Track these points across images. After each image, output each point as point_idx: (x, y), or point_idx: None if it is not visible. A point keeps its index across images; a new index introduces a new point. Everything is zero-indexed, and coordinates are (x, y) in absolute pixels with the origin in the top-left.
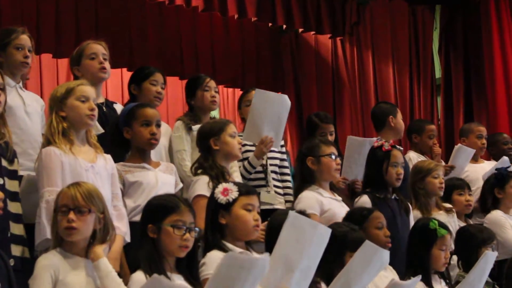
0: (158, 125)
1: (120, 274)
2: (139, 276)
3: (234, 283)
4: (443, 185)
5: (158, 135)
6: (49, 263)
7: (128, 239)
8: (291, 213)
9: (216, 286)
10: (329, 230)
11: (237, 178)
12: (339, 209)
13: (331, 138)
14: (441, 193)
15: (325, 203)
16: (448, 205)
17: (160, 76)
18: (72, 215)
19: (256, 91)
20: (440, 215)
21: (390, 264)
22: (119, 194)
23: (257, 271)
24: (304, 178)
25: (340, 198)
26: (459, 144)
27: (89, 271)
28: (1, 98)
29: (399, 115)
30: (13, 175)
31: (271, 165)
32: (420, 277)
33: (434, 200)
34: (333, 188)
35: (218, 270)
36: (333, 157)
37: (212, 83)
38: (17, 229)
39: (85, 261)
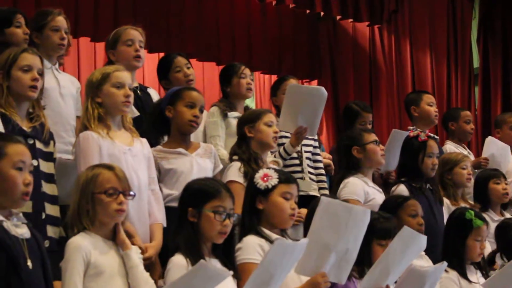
0: (201, 110)
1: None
2: (179, 259)
3: (276, 267)
4: (471, 177)
5: (200, 119)
6: (80, 246)
7: (164, 224)
8: (323, 199)
9: (263, 271)
10: (367, 211)
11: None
12: (382, 200)
13: (369, 127)
14: (469, 185)
15: (370, 192)
16: (472, 202)
17: (179, 59)
18: (122, 198)
19: (288, 86)
20: None
21: (427, 253)
22: (155, 178)
23: (296, 255)
24: (350, 168)
25: (381, 190)
26: (489, 137)
27: (118, 254)
28: (39, 84)
29: (424, 103)
30: (49, 157)
31: (305, 151)
32: (444, 264)
33: (461, 192)
34: (373, 179)
35: (266, 258)
36: (377, 143)
37: (248, 71)
38: (52, 210)
39: (113, 244)
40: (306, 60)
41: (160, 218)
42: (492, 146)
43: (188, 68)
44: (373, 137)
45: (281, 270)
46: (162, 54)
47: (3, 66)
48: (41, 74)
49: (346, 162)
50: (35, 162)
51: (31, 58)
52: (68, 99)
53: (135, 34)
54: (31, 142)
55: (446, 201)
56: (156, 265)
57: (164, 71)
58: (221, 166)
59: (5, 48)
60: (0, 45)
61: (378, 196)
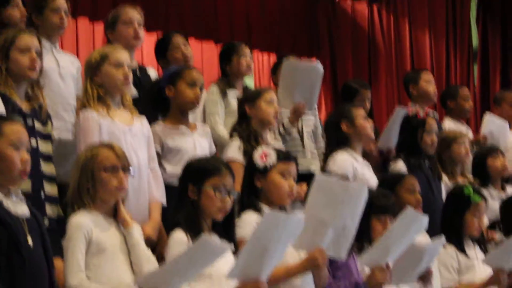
0: (201, 89)
1: (155, 244)
2: (179, 235)
3: (270, 241)
4: (469, 153)
5: (200, 98)
6: (82, 223)
7: (164, 203)
8: (318, 176)
9: (256, 243)
10: (364, 186)
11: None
12: (370, 174)
13: (368, 105)
14: (467, 161)
15: (359, 168)
16: (471, 178)
17: (177, 38)
18: (122, 175)
19: (284, 62)
20: None
21: (426, 229)
22: (155, 156)
23: (292, 229)
24: (339, 143)
25: (370, 166)
26: (488, 113)
27: (119, 231)
28: (37, 64)
29: (423, 80)
30: (47, 137)
31: (306, 129)
32: (442, 239)
33: (460, 170)
34: (365, 155)
35: (258, 229)
36: (366, 118)
37: (248, 50)
38: (51, 190)
39: (113, 221)
40: (305, 39)
41: (159, 196)
42: (491, 123)
43: (185, 47)
44: (362, 112)
45: (276, 244)
46: (160, 34)
47: (1, 48)
48: (39, 54)
49: (335, 138)
50: (34, 143)
51: (29, 39)
52: (68, 79)
53: (134, 14)
54: (30, 122)
55: (444, 177)
56: (163, 239)
57: (162, 50)
58: (214, 148)
59: (1, 28)
60: None
61: (367, 172)
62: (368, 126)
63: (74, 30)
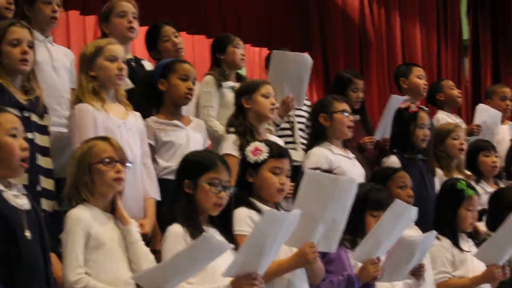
0: (194, 83)
1: (150, 238)
2: (176, 228)
3: (267, 238)
4: (464, 147)
5: (193, 91)
6: (80, 218)
7: (158, 199)
8: (307, 171)
9: (254, 241)
10: (353, 180)
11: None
12: (350, 166)
13: (361, 95)
14: (461, 155)
15: (334, 160)
16: (468, 172)
17: (167, 28)
18: (120, 167)
19: (273, 53)
20: None
21: (419, 223)
22: (148, 151)
23: (288, 226)
24: (316, 135)
25: (352, 156)
26: (480, 104)
27: (118, 227)
28: (29, 56)
29: (414, 75)
30: (44, 130)
31: (298, 122)
32: (434, 233)
33: (455, 163)
34: (348, 147)
35: (256, 228)
36: (346, 114)
37: (241, 42)
38: (47, 183)
39: (111, 216)
40: (296, 32)
41: (153, 192)
42: (484, 112)
43: (176, 37)
44: (344, 106)
45: (272, 241)
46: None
47: None
48: (31, 46)
49: (313, 130)
50: (30, 135)
51: (20, 31)
52: (61, 71)
53: (128, 6)
54: (26, 114)
55: (439, 172)
56: (157, 234)
57: (152, 41)
58: (209, 142)
59: None
60: None
61: (345, 163)
62: (346, 122)
63: (66, 23)
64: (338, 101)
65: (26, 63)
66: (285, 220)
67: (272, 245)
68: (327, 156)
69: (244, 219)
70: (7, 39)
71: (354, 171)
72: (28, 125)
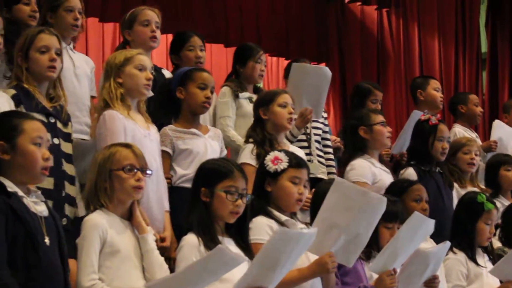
0: (212, 91)
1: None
2: (190, 238)
3: (281, 255)
4: (474, 162)
5: (211, 100)
6: (97, 223)
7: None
8: (337, 179)
9: (266, 257)
10: (383, 199)
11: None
12: (389, 180)
13: (379, 106)
14: (471, 170)
15: (377, 173)
16: (482, 186)
17: (195, 39)
18: (140, 175)
19: (293, 65)
20: None
21: (434, 236)
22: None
23: (304, 243)
24: (356, 148)
25: (388, 170)
26: (496, 120)
27: (134, 235)
28: (57, 64)
29: (431, 87)
30: (68, 137)
31: (315, 134)
32: (447, 244)
33: (469, 176)
34: (381, 160)
35: (269, 244)
36: (384, 124)
37: (264, 57)
38: (71, 190)
39: (129, 224)
40: (314, 43)
41: (167, 204)
42: (500, 129)
43: (201, 50)
44: (381, 118)
45: (287, 257)
46: (170, 36)
47: (21, 48)
48: (59, 54)
49: (352, 143)
50: (56, 141)
51: (48, 39)
52: (82, 79)
53: (152, 15)
54: (52, 120)
55: (455, 185)
56: (172, 242)
57: (178, 46)
58: (225, 151)
59: (12, 25)
60: (8, 23)
61: (385, 177)
62: (385, 133)
63: (84, 30)
64: (374, 113)
65: (54, 70)
66: (301, 238)
67: (287, 261)
68: (371, 168)
69: (263, 227)
70: (36, 46)
71: None
72: (54, 131)
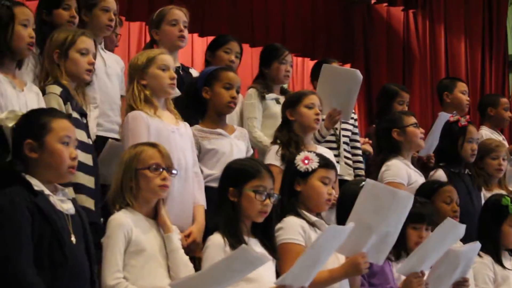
0: (238, 91)
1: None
2: (216, 238)
3: (323, 251)
4: (502, 167)
5: (237, 100)
6: (123, 222)
7: (205, 207)
8: (368, 181)
9: (310, 256)
10: (411, 196)
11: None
12: (422, 181)
13: (407, 108)
14: (499, 175)
15: (412, 175)
16: (510, 188)
17: (235, 44)
18: (166, 174)
19: (323, 66)
20: None
21: (464, 239)
22: (197, 160)
23: (341, 238)
24: (391, 150)
25: (420, 173)
26: None
27: (160, 234)
28: (94, 68)
29: (458, 90)
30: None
31: (343, 136)
32: (478, 244)
33: (496, 180)
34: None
35: (318, 241)
36: (416, 126)
37: (289, 57)
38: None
39: (154, 223)
40: (340, 43)
41: (202, 200)
42: None
43: (237, 57)
44: (413, 119)
45: (327, 254)
46: (195, 35)
47: (60, 46)
48: (95, 58)
49: (386, 145)
50: (90, 141)
51: (89, 42)
52: (114, 78)
53: (180, 15)
54: (84, 121)
55: (483, 187)
56: (199, 243)
57: (216, 45)
58: (252, 151)
59: (49, 28)
60: (45, 25)
61: (419, 179)
62: (418, 134)
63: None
64: (407, 115)
65: (90, 73)
66: (342, 233)
67: (326, 257)
68: (407, 170)
69: (295, 228)
70: (78, 46)
71: None
72: (87, 131)
